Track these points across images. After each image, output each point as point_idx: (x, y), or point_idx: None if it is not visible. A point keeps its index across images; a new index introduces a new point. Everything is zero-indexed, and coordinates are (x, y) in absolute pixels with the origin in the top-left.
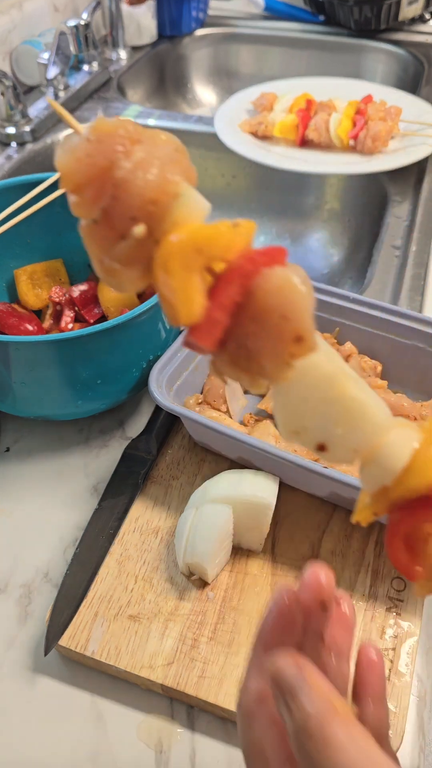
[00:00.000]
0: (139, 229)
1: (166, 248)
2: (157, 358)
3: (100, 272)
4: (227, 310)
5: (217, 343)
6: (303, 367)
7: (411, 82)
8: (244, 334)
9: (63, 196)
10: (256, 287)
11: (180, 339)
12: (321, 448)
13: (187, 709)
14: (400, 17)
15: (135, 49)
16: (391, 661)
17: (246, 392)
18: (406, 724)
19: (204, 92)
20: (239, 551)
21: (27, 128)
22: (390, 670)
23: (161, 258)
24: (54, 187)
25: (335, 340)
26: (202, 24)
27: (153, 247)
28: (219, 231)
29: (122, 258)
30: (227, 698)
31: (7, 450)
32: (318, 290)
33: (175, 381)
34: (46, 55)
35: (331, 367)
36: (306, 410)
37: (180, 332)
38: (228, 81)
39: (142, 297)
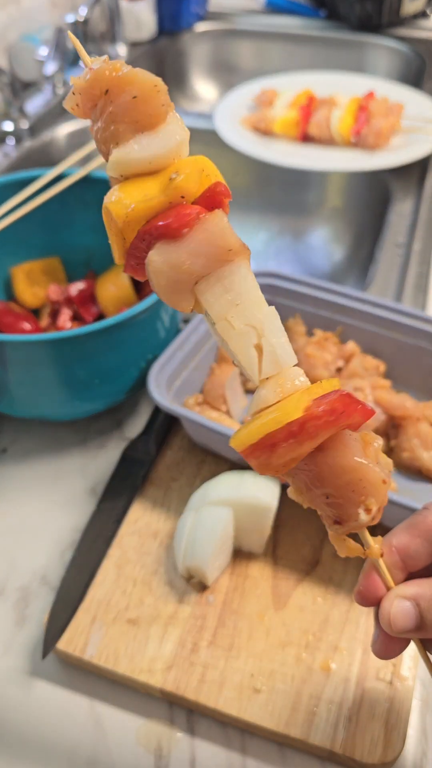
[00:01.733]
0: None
1: (104, 215)
2: (155, 357)
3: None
4: (139, 261)
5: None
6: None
7: (413, 78)
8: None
9: (60, 194)
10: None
11: (179, 335)
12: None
13: (186, 714)
14: (402, 13)
15: (134, 44)
16: (394, 665)
17: (246, 392)
18: (408, 728)
19: (204, 88)
20: (240, 554)
21: (24, 124)
22: (392, 674)
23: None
24: (51, 184)
25: (338, 339)
26: (201, 19)
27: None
28: (119, 204)
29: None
30: (227, 703)
31: (4, 451)
32: (320, 288)
33: (175, 381)
34: (44, 51)
35: (217, 321)
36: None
37: (178, 331)
38: (228, 77)
39: (140, 295)
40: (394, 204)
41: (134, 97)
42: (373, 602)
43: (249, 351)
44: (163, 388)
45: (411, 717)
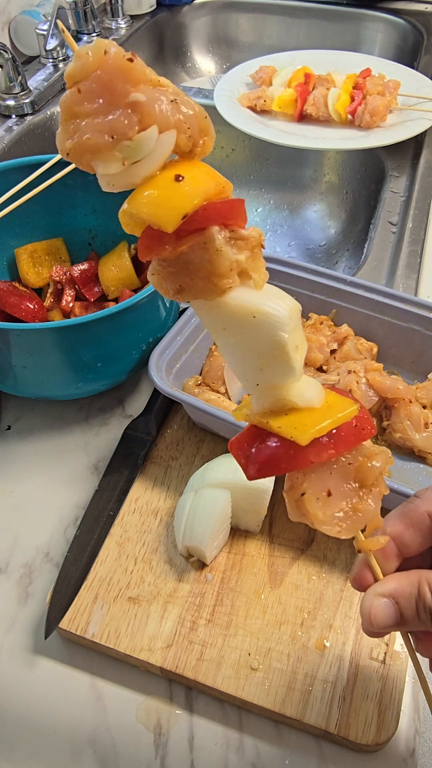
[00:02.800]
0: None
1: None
2: (157, 339)
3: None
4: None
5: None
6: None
7: (410, 52)
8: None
9: (63, 176)
10: None
11: (179, 320)
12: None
13: (185, 692)
14: None
15: (134, 18)
16: (386, 644)
17: None
18: (402, 706)
19: (203, 61)
20: (237, 532)
21: (27, 100)
22: (386, 653)
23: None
24: (55, 168)
25: (332, 323)
26: None
27: None
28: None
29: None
30: (225, 681)
31: (8, 428)
32: (315, 272)
33: (175, 364)
34: (44, 26)
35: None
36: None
37: (179, 312)
38: (227, 50)
39: (141, 276)
40: (389, 182)
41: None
42: (368, 588)
43: (295, 353)
44: (164, 372)
45: (404, 695)
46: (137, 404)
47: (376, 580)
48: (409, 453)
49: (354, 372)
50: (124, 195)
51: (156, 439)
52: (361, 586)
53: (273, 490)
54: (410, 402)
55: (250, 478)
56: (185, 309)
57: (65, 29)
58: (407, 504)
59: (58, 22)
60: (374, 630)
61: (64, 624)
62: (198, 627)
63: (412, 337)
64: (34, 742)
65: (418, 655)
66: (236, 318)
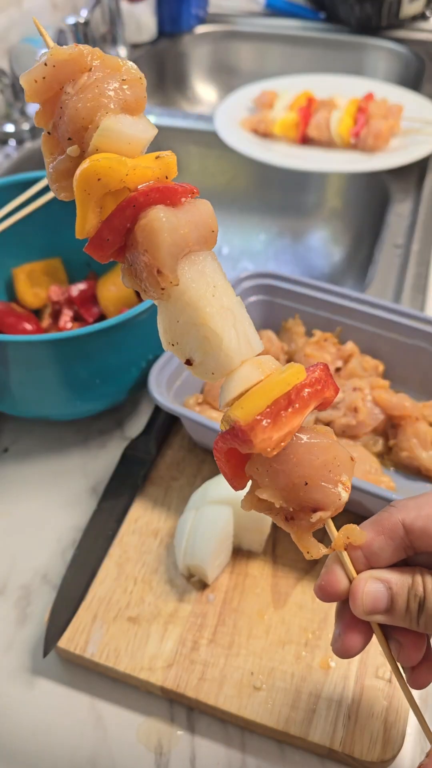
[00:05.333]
0: (72, 149)
1: (75, 175)
2: (156, 357)
3: (48, 176)
4: (116, 233)
5: (108, 257)
6: (176, 293)
7: (412, 80)
8: (131, 256)
9: None
10: (139, 219)
11: None
12: (188, 362)
13: (187, 712)
14: (401, 15)
15: (135, 46)
16: None
17: None
18: (407, 726)
19: (204, 90)
20: (240, 552)
21: (26, 126)
22: (391, 672)
23: (74, 181)
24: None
25: (337, 340)
26: (201, 21)
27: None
28: (120, 163)
29: (61, 170)
30: (227, 700)
31: (6, 450)
32: (319, 289)
33: (175, 381)
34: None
35: (198, 299)
36: (177, 329)
37: None
38: (228, 78)
39: (140, 295)
40: (393, 205)
41: (124, 80)
42: (334, 597)
43: (230, 330)
44: (164, 388)
45: (410, 714)
46: (136, 426)
47: (350, 581)
48: (416, 472)
49: (359, 389)
50: None
51: (156, 460)
52: (328, 594)
53: None
54: (417, 420)
55: (234, 487)
56: None
57: (39, 25)
58: (381, 512)
59: (34, 19)
60: (362, 612)
61: (62, 643)
62: (200, 647)
63: (418, 356)
64: (33, 764)
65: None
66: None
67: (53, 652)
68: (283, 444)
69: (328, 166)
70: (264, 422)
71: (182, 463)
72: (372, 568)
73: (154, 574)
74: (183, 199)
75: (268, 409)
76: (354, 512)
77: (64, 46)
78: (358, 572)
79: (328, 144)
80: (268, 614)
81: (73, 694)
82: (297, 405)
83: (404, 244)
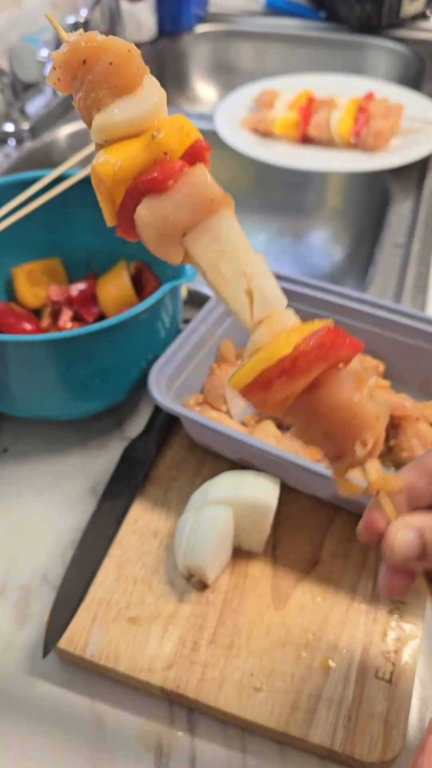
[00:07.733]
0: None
1: (93, 178)
2: (156, 357)
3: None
4: (127, 223)
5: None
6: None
7: (413, 79)
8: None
9: (61, 195)
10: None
11: (179, 336)
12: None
13: (187, 713)
14: (402, 14)
15: (135, 45)
16: (393, 664)
17: None
18: (408, 728)
19: (204, 89)
20: (240, 553)
21: (25, 126)
22: (392, 672)
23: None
24: (51, 184)
25: None
26: (202, 21)
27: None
28: (106, 164)
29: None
30: (228, 701)
31: (5, 451)
32: (319, 288)
33: (175, 381)
34: (45, 53)
35: (206, 272)
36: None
37: (178, 331)
38: (228, 78)
39: (141, 296)
40: (394, 205)
41: (110, 63)
42: (375, 538)
43: (240, 297)
44: (164, 388)
45: (411, 714)
46: (136, 427)
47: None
48: None
49: None
50: None
51: (156, 460)
52: (371, 533)
53: (277, 509)
54: (417, 420)
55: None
56: (186, 323)
57: (53, 19)
58: (423, 456)
59: (47, 13)
60: (396, 560)
61: (62, 644)
62: (200, 648)
63: (419, 356)
64: (32, 764)
65: None
66: None
67: (53, 653)
68: (282, 406)
69: (329, 165)
70: (254, 391)
71: (182, 464)
72: (416, 508)
73: (154, 574)
74: (169, 183)
75: (254, 381)
76: (354, 512)
77: (65, 41)
78: (399, 514)
79: (328, 143)
80: (269, 615)
81: (73, 696)
82: (293, 373)
83: (405, 243)
